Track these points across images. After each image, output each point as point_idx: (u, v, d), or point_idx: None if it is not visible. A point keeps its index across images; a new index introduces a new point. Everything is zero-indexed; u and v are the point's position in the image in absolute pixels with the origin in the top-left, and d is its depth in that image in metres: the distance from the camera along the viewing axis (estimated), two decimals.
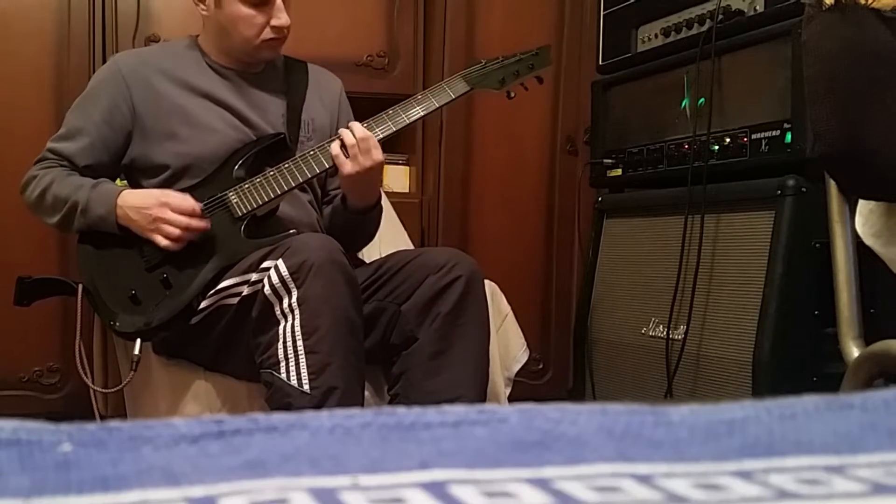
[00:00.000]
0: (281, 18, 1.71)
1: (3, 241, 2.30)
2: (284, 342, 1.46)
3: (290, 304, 1.46)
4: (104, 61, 2.26)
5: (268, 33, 1.71)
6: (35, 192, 1.70)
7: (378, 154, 1.64)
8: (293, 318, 1.46)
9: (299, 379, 1.44)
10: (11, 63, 2.31)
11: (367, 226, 1.81)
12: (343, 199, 1.78)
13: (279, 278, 1.47)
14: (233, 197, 1.67)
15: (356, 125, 1.65)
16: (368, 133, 1.64)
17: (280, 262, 1.48)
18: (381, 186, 1.81)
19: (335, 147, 1.64)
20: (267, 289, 1.49)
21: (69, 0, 2.33)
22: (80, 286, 1.69)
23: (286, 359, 1.46)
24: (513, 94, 1.78)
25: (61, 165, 1.72)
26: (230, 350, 1.62)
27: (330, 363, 1.44)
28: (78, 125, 1.73)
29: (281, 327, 1.48)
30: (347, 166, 1.63)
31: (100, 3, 2.34)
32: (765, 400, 0.48)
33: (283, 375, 1.45)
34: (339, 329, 1.46)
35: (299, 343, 1.45)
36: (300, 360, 1.45)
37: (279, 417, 0.44)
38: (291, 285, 1.46)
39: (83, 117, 1.73)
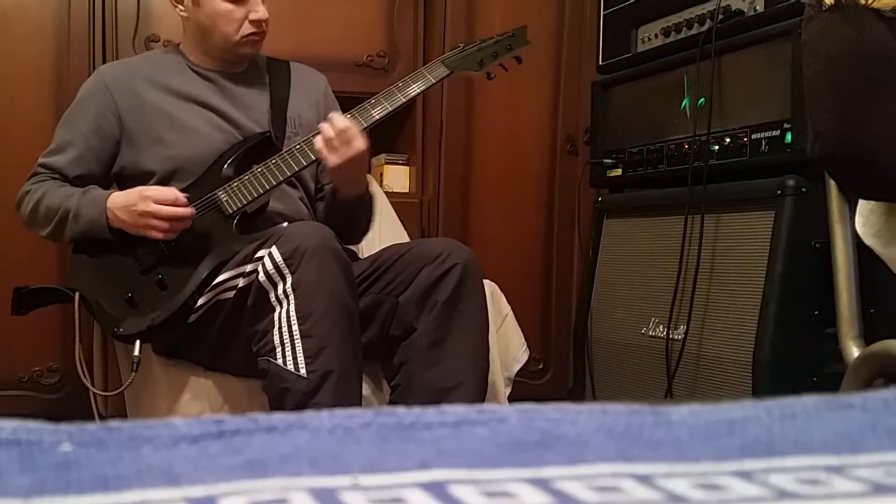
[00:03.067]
0: (259, 12, 1.73)
1: (2, 244, 2.29)
2: (280, 328, 1.47)
3: (284, 290, 1.47)
4: (104, 62, 2.26)
5: (247, 28, 1.74)
6: (29, 207, 1.73)
7: (360, 143, 1.65)
8: (288, 304, 1.46)
9: (296, 363, 1.44)
10: (11, 64, 2.31)
11: (359, 214, 1.83)
12: (333, 190, 1.79)
13: (273, 265, 1.48)
14: (222, 195, 1.68)
15: (336, 116, 1.67)
16: (348, 123, 1.65)
17: (274, 249, 1.49)
18: (368, 174, 1.82)
19: (318, 141, 1.65)
20: (261, 276, 1.50)
21: (69, 0, 2.33)
22: (77, 294, 1.70)
23: (282, 344, 1.46)
24: (492, 75, 1.82)
25: (52, 178, 1.74)
26: (229, 346, 1.63)
27: (326, 346, 1.44)
28: (67, 138, 1.76)
29: (276, 314, 1.48)
30: (332, 158, 1.64)
31: (100, 3, 2.34)
32: (765, 400, 0.48)
33: (280, 361, 1.45)
34: (334, 313, 1.46)
35: (294, 328, 1.45)
36: (296, 345, 1.45)
37: (279, 417, 0.44)
38: (286, 271, 1.47)
39: (71, 130, 1.76)
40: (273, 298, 1.49)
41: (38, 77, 2.32)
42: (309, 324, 1.45)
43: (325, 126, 1.65)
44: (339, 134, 1.63)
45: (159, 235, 1.63)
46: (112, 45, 2.34)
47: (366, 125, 1.69)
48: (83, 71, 2.29)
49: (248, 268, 1.54)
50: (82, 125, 1.75)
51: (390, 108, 1.71)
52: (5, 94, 2.30)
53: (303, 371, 1.44)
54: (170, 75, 1.79)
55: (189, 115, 1.75)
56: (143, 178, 1.74)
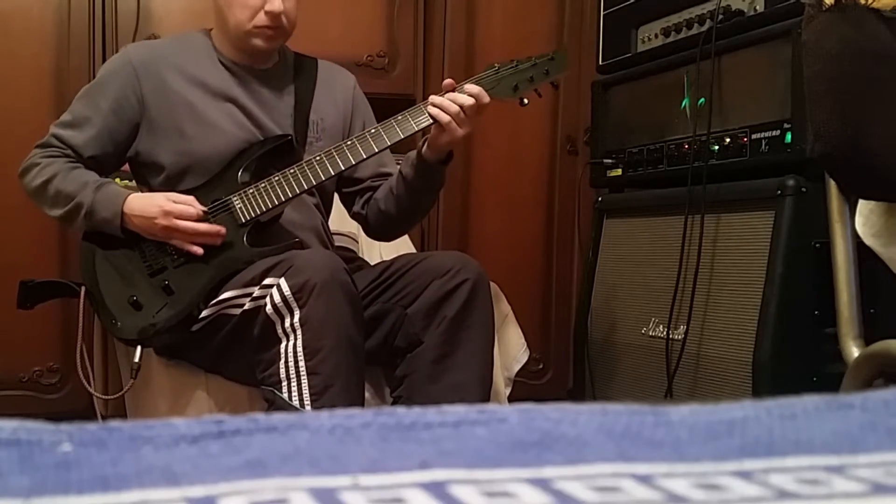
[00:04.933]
0: (273, 4, 1.66)
1: (3, 241, 2.30)
2: (286, 362, 1.46)
3: (292, 324, 1.46)
4: (104, 61, 2.26)
5: (261, 19, 1.68)
6: (36, 181, 1.68)
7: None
8: (295, 338, 1.45)
9: (301, 399, 1.44)
10: (11, 63, 2.31)
11: (442, 180, 1.77)
12: (419, 156, 1.71)
13: (281, 297, 1.46)
14: (237, 202, 1.65)
15: (466, 86, 1.63)
16: (479, 90, 1.62)
17: (282, 281, 1.47)
18: None
19: (444, 116, 1.61)
20: (269, 307, 1.48)
21: (69, 0, 2.33)
22: (83, 289, 1.68)
23: (288, 378, 1.45)
24: (526, 101, 1.70)
25: (65, 154, 1.69)
26: (230, 358, 1.62)
27: (332, 385, 1.44)
28: (85, 114, 1.71)
29: (283, 346, 1.47)
30: (458, 132, 1.62)
31: (100, 3, 2.34)
32: (765, 400, 0.48)
33: (285, 395, 1.45)
34: (341, 350, 1.45)
35: (301, 363, 1.44)
36: (302, 381, 1.44)
37: (279, 417, 0.44)
38: (294, 305, 1.45)
39: (91, 106, 1.71)
40: (280, 331, 1.48)
41: (38, 77, 2.32)
42: (316, 360, 1.44)
43: (440, 101, 1.61)
44: (470, 107, 1.61)
45: (179, 245, 1.62)
46: (112, 45, 2.34)
47: (388, 144, 1.65)
48: (83, 70, 2.30)
49: (256, 292, 1.52)
50: (103, 103, 1.70)
51: (416, 129, 1.65)
52: (5, 94, 2.31)
53: (308, 408, 1.43)
54: (198, 65, 1.74)
55: (212, 109, 1.71)
56: (158, 168, 1.71)
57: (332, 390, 1.43)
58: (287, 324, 1.46)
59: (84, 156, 1.70)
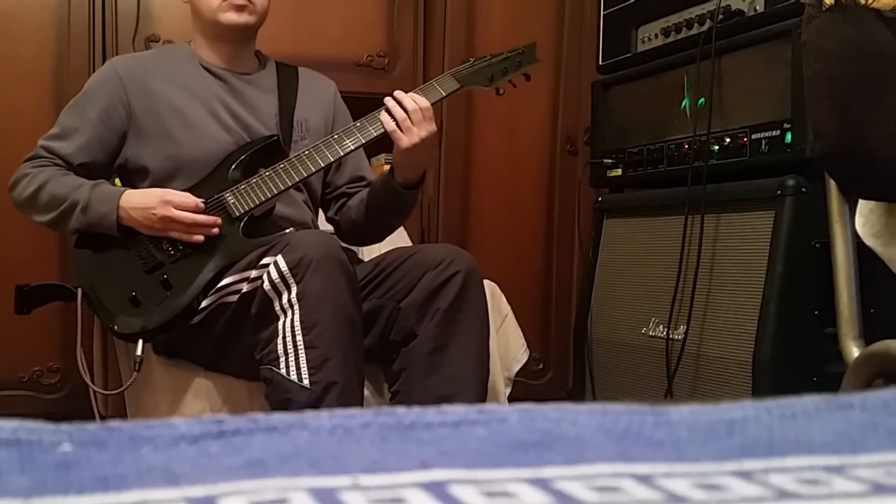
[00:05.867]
0: None
1: (3, 244, 2.29)
2: (284, 337, 1.47)
3: (289, 300, 1.47)
4: (104, 62, 2.26)
5: None
6: (28, 190, 1.69)
7: (433, 125, 1.66)
8: (292, 314, 1.46)
9: (299, 374, 1.44)
10: (11, 64, 2.31)
11: (410, 202, 1.81)
12: (388, 174, 1.77)
13: (278, 274, 1.48)
14: (230, 198, 1.67)
15: (404, 97, 1.66)
16: (425, 103, 1.66)
17: (279, 258, 1.48)
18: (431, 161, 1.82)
19: (389, 122, 1.65)
20: (266, 284, 1.49)
21: (69, 0, 2.33)
22: (80, 291, 1.69)
23: (286, 354, 1.46)
24: (501, 91, 1.80)
25: (55, 164, 1.71)
26: (230, 349, 1.63)
27: (329, 358, 1.44)
28: (73, 124, 1.73)
29: (280, 322, 1.48)
30: (406, 139, 1.64)
31: (100, 3, 2.34)
32: (765, 400, 0.48)
33: (283, 371, 1.46)
34: (338, 324, 1.46)
35: (299, 338, 1.45)
36: (300, 356, 1.45)
37: (279, 417, 0.44)
38: (291, 281, 1.47)
39: (79, 117, 1.74)
40: (277, 307, 1.49)
41: (38, 77, 2.32)
42: (313, 335, 1.44)
43: (394, 106, 1.65)
44: (411, 114, 1.64)
45: (178, 237, 1.63)
46: (112, 45, 2.34)
47: (365, 140, 1.69)
48: (83, 70, 2.29)
49: (253, 274, 1.53)
50: (91, 113, 1.73)
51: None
52: (5, 93, 2.30)
53: (306, 382, 1.44)
54: (183, 71, 1.78)
55: (200, 113, 1.74)
56: (146, 173, 1.73)
57: (329, 363, 1.44)
58: (284, 300, 1.48)
59: (74, 164, 1.72)
